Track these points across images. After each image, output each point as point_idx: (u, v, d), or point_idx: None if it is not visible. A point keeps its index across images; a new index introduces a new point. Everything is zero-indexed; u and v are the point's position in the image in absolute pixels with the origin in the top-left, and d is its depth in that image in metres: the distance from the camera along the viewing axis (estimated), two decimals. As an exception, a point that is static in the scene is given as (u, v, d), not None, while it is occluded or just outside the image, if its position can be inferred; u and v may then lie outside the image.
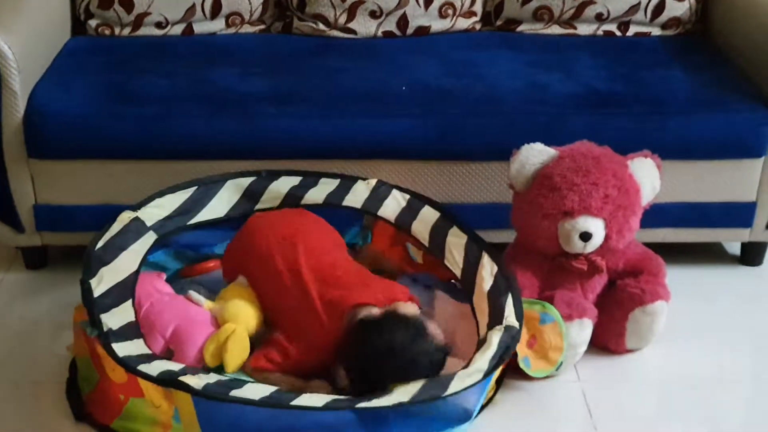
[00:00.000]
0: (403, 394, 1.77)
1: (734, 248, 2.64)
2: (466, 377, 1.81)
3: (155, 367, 1.79)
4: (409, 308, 2.00)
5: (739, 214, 2.47)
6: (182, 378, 1.74)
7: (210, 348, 1.99)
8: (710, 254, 2.63)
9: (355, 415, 1.78)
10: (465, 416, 1.87)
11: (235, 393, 1.73)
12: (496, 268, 2.08)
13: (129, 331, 1.90)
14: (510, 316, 1.97)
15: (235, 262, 2.18)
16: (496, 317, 1.97)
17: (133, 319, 1.93)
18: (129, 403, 1.88)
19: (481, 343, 1.93)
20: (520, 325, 1.96)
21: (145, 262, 2.10)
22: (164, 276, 2.19)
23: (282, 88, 2.42)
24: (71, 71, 2.47)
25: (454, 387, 1.78)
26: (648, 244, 2.32)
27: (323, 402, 1.74)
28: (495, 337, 1.90)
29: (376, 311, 1.97)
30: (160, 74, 2.47)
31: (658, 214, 2.33)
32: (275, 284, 2.07)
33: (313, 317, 1.99)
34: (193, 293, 2.12)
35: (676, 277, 2.30)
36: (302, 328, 2.00)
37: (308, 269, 2.05)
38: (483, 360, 1.85)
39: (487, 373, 1.82)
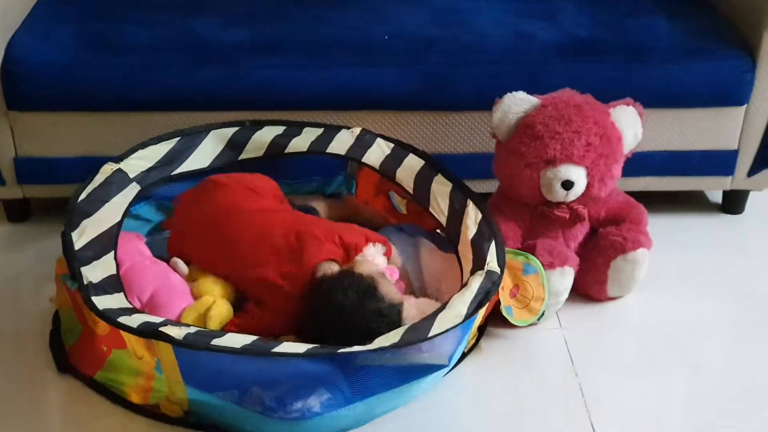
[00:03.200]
0: (384, 340, 1.78)
1: (716, 196, 2.65)
2: (446, 320, 1.81)
3: (136, 320, 1.79)
4: (366, 266, 1.99)
5: (721, 162, 2.47)
6: (163, 329, 1.74)
7: (189, 317, 1.97)
8: (692, 202, 2.64)
9: (335, 366, 1.78)
10: (444, 363, 1.88)
11: (217, 342, 1.73)
12: (480, 216, 2.08)
13: (110, 285, 1.89)
14: (492, 262, 1.97)
15: (182, 250, 2.15)
16: (478, 263, 1.98)
17: (114, 272, 1.92)
18: (112, 354, 1.88)
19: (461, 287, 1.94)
20: (502, 271, 1.96)
21: (128, 214, 2.10)
22: (144, 240, 2.18)
23: (264, 38, 2.40)
24: (50, 20, 2.44)
25: (435, 330, 1.78)
26: (630, 193, 2.33)
27: (304, 349, 1.74)
28: (475, 282, 1.91)
29: (335, 268, 1.98)
30: (141, 24, 2.44)
31: (640, 163, 2.34)
32: (231, 265, 2.06)
33: (275, 289, 1.98)
34: (178, 261, 2.11)
35: (658, 225, 2.31)
36: (267, 299, 2.00)
37: (251, 247, 2.04)
38: (462, 303, 1.85)
39: (467, 317, 1.83)
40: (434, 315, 1.83)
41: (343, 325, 1.86)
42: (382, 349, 1.76)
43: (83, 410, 1.91)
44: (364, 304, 1.89)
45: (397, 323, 1.90)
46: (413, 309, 1.95)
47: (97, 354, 1.90)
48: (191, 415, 1.86)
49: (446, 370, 1.91)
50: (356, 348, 1.76)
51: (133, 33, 2.40)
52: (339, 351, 1.75)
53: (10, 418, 1.89)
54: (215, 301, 1.99)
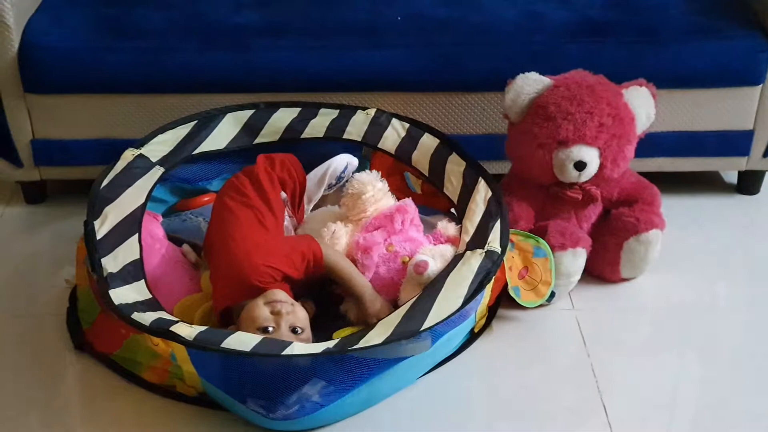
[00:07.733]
0: (384, 329, 1.75)
1: (731, 177, 2.64)
2: (444, 303, 1.80)
3: (149, 317, 1.78)
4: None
5: (736, 142, 2.46)
6: (174, 328, 1.73)
7: (178, 310, 1.96)
8: (707, 183, 2.63)
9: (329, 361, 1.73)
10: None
11: (228, 342, 1.70)
12: (490, 194, 2.09)
13: (129, 273, 1.88)
14: (494, 242, 1.96)
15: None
16: (478, 239, 1.98)
17: (137, 256, 1.92)
18: (130, 337, 1.89)
19: (457, 258, 1.93)
20: (503, 251, 1.96)
21: (150, 197, 2.09)
22: (160, 219, 2.18)
23: (276, 20, 2.41)
24: (65, 4, 2.46)
25: (431, 320, 1.77)
26: (644, 174, 2.33)
27: (314, 350, 1.71)
28: (475, 261, 1.91)
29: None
30: (154, 7, 2.46)
31: (653, 143, 2.33)
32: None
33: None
34: (186, 247, 2.13)
35: (672, 206, 2.32)
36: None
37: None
38: (461, 284, 1.85)
39: (466, 301, 1.83)
40: (431, 297, 1.82)
41: None
42: (382, 345, 1.72)
43: (100, 389, 1.93)
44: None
45: None
46: (438, 260, 1.96)
47: (115, 335, 1.92)
48: (207, 396, 1.87)
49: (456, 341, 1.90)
50: (363, 344, 1.72)
51: (145, 17, 2.42)
52: (349, 349, 1.71)
53: (27, 397, 1.91)
54: (203, 306, 1.99)
